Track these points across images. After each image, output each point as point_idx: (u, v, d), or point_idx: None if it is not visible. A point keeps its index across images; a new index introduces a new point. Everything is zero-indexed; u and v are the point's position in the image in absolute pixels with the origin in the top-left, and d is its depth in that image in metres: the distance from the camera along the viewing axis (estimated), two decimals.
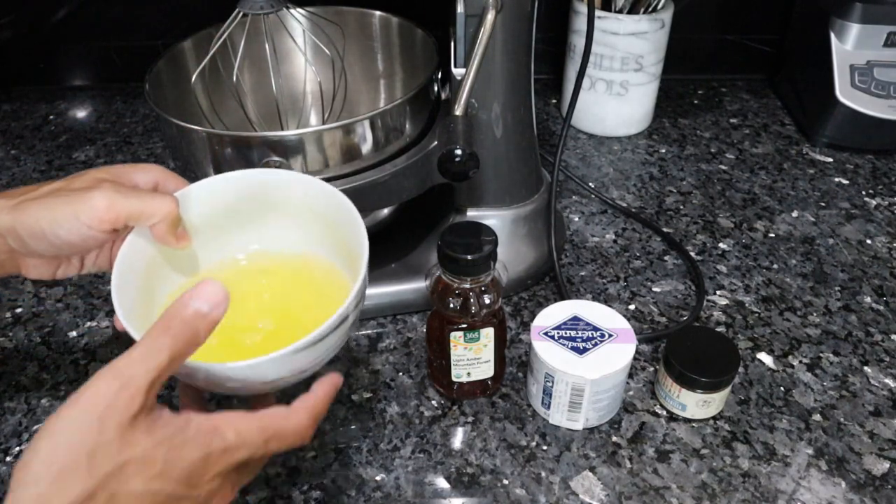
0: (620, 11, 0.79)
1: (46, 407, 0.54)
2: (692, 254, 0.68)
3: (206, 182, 0.44)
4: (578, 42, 0.83)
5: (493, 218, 0.61)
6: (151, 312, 0.41)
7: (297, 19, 0.61)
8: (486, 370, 0.52)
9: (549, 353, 0.49)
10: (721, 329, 0.60)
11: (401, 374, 0.56)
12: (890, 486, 0.47)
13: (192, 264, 0.45)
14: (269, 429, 0.34)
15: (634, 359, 0.56)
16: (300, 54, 0.66)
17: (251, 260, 0.47)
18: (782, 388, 0.54)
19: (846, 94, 0.80)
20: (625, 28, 0.78)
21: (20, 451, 0.50)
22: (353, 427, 0.52)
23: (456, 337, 0.49)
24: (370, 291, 0.60)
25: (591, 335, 0.50)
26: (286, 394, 0.39)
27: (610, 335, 0.50)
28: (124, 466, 0.29)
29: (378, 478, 0.48)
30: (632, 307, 0.62)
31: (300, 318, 0.43)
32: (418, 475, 0.49)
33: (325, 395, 0.37)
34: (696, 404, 0.51)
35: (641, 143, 0.85)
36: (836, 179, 0.78)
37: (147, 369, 0.30)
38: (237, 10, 0.55)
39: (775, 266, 0.66)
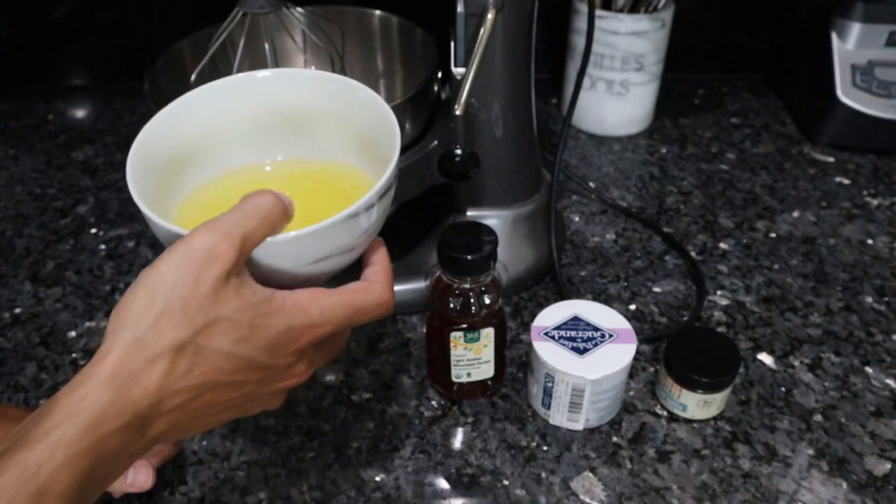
0: (621, 11, 0.79)
1: None
2: (693, 254, 0.67)
3: (231, 80, 0.42)
4: (579, 41, 0.83)
5: (493, 218, 0.61)
6: (167, 211, 0.39)
7: (296, 19, 0.61)
8: (486, 370, 0.52)
9: (549, 354, 0.49)
10: (722, 329, 0.60)
11: (401, 374, 0.56)
12: (891, 487, 0.47)
13: (215, 165, 0.43)
14: (351, 304, 0.35)
15: (635, 359, 0.55)
16: (300, 54, 0.66)
17: (276, 168, 0.45)
18: (783, 389, 0.54)
19: (847, 94, 0.80)
20: (625, 27, 0.78)
21: None
22: (353, 427, 0.52)
23: (456, 337, 0.49)
24: None
25: (591, 335, 0.50)
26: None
27: (610, 335, 0.50)
28: (214, 323, 0.30)
29: (378, 478, 0.48)
30: (632, 307, 0.62)
31: None
32: (418, 475, 0.48)
33: (385, 259, 0.38)
34: (697, 405, 0.51)
35: (642, 143, 0.85)
36: (838, 179, 0.78)
37: (241, 228, 0.31)
38: (237, 9, 0.55)
39: (776, 266, 0.66)
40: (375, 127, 0.40)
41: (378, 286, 0.37)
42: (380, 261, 0.38)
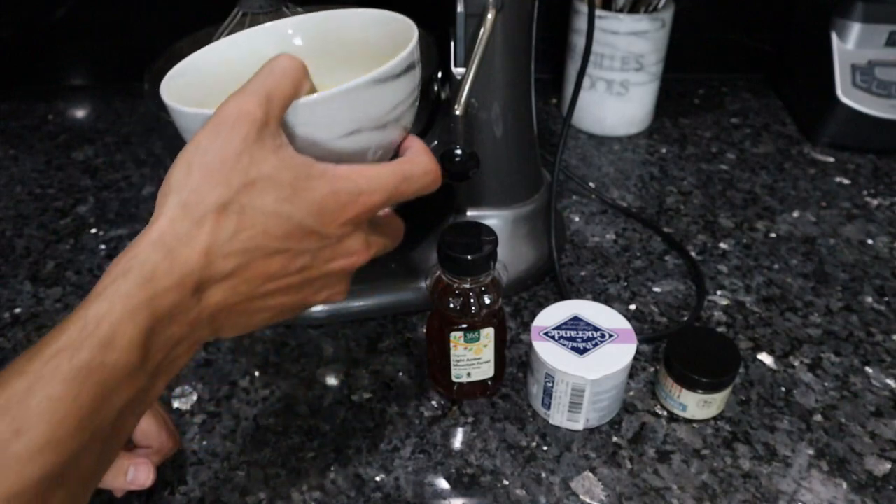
0: (621, 11, 0.79)
1: None
2: (693, 254, 0.67)
3: (271, 25, 0.42)
4: (579, 41, 0.83)
5: (493, 218, 0.61)
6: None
7: None
8: (486, 370, 0.52)
9: (549, 354, 0.49)
10: (722, 329, 0.59)
11: (401, 374, 0.56)
12: (891, 487, 0.47)
13: None
14: (398, 171, 0.35)
15: (635, 359, 0.55)
16: None
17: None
18: (783, 389, 0.54)
19: (847, 94, 0.80)
20: (625, 27, 0.78)
21: None
22: (353, 427, 0.52)
23: (456, 337, 0.49)
24: (369, 293, 0.60)
25: (591, 335, 0.50)
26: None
27: (610, 335, 0.50)
28: (254, 183, 0.30)
29: (378, 478, 0.48)
30: (632, 307, 0.62)
31: None
32: (418, 476, 0.48)
33: (421, 143, 0.38)
34: (697, 405, 0.51)
35: (642, 143, 0.85)
36: (838, 179, 0.78)
37: (264, 86, 0.31)
38: (236, 9, 0.55)
39: (776, 266, 0.66)
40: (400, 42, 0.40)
41: (422, 157, 0.36)
42: (417, 143, 0.38)
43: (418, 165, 0.36)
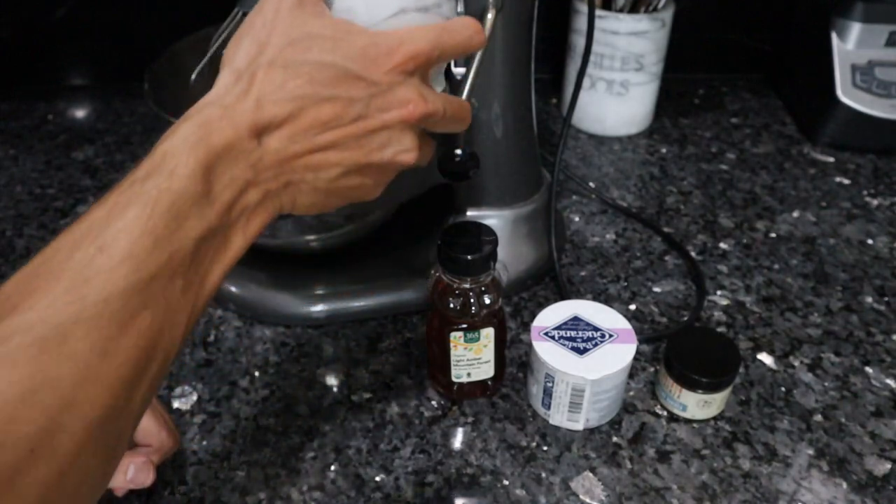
0: (621, 11, 0.79)
1: None
2: (693, 254, 0.67)
3: None
4: (579, 41, 0.83)
5: (493, 218, 0.61)
6: None
7: None
8: (486, 370, 0.52)
9: (549, 354, 0.49)
10: (722, 329, 0.59)
11: (401, 374, 0.56)
12: (891, 487, 0.47)
13: None
14: (439, 26, 0.35)
15: (635, 359, 0.55)
16: None
17: None
18: (783, 389, 0.54)
19: (847, 94, 0.80)
20: (625, 27, 0.78)
21: None
22: (353, 427, 0.52)
23: (456, 337, 0.49)
24: (369, 293, 0.60)
25: (591, 335, 0.50)
26: None
27: (610, 335, 0.50)
28: (298, 41, 0.32)
29: (378, 478, 0.48)
30: (632, 307, 0.62)
31: None
32: (418, 476, 0.48)
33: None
34: (697, 405, 0.51)
35: (642, 143, 0.85)
36: (838, 179, 0.78)
37: None
38: (237, 9, 0.55)
39: (776, 266, 0.66)
40: None
41: (460, 17, 0.37)
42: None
43: (457, 21, 0.36)
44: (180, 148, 0.30)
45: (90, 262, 0.26)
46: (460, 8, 0.52)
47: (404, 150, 0.36)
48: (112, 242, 0.27)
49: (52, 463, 0.24)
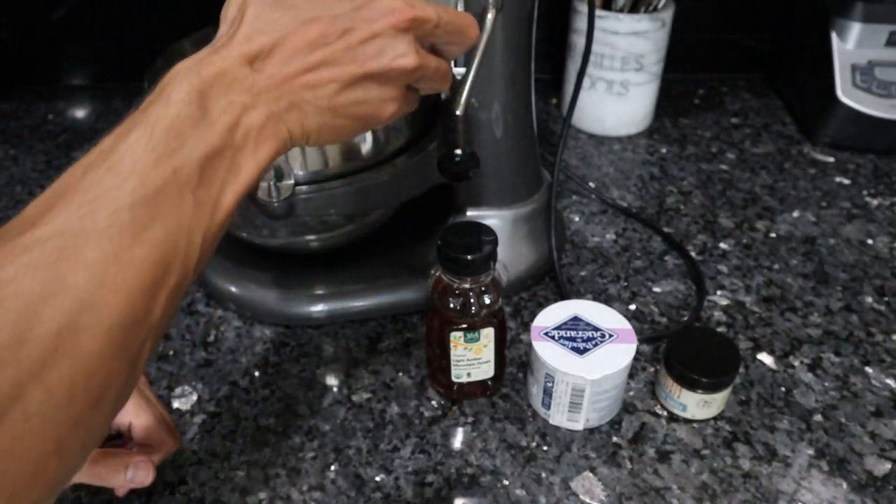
0: (621, 11, 0.79)
1: None
2: (693, 254, 0.67)
3: None
4: (579, 41, 0.83)
5: (493, 218, 0.61)
6: None
7: None
8: (486, 370, 0.52)
9: (549, 354, 0.49)
10: (722, 329, 0.60)
11: (401, 374, 0.56)
12: (891, 487, 0.47)
13: None
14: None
15: (635, 359, 0.55)
16: None
17: None
18: (783, 389, 0.54)
19: (847, 94, 0.80)
20: (625, 27, 0.78)
21: None
22: (353, 427, 0.52)
23: (456, 337, 0.49)
24: (369, 293, 0.60)
25: (591, 335, 0.50)
26: None
27: (610, 335, 0.50)
28: None
29: (378, 478, 0.48)
30: (632, 307, 0.62)
31: None
32: (418, 476, 0.48)
33: None
34: (697, 405, 0.51)
35: (642, 143, 0.85)
36: (838, 179, 0.78)
37: None
38: None
39: (776, 266, 0.66)
40: None
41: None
42: None
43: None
44: (172, 78, 0.32)
45: (100, 180, 0.28)
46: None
47: (400, 55, 0.35)
48: (118, 162, 0.29)
49: (77, 362, 0.26)
